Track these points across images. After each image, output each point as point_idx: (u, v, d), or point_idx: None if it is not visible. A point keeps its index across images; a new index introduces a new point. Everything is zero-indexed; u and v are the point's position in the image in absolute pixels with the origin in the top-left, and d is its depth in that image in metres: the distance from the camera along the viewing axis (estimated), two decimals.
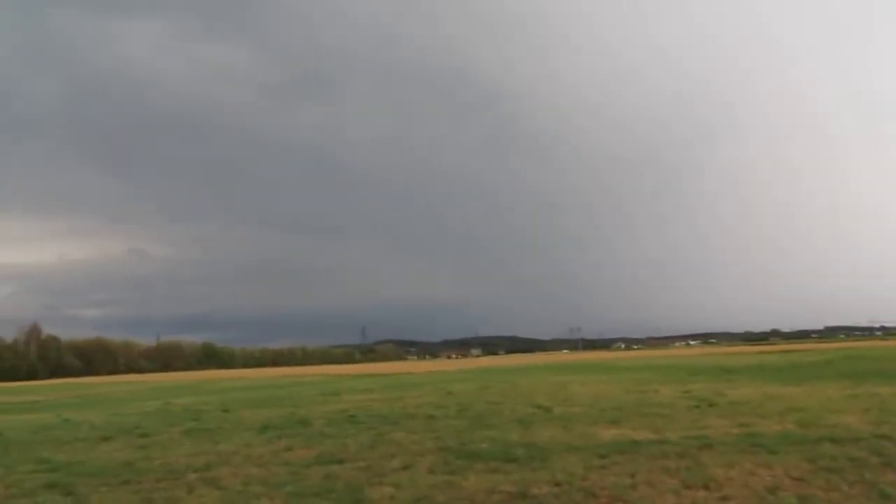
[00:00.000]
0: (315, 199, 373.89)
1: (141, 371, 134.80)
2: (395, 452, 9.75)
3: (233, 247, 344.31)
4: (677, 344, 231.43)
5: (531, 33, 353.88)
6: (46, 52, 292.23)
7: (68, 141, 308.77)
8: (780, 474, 7.39)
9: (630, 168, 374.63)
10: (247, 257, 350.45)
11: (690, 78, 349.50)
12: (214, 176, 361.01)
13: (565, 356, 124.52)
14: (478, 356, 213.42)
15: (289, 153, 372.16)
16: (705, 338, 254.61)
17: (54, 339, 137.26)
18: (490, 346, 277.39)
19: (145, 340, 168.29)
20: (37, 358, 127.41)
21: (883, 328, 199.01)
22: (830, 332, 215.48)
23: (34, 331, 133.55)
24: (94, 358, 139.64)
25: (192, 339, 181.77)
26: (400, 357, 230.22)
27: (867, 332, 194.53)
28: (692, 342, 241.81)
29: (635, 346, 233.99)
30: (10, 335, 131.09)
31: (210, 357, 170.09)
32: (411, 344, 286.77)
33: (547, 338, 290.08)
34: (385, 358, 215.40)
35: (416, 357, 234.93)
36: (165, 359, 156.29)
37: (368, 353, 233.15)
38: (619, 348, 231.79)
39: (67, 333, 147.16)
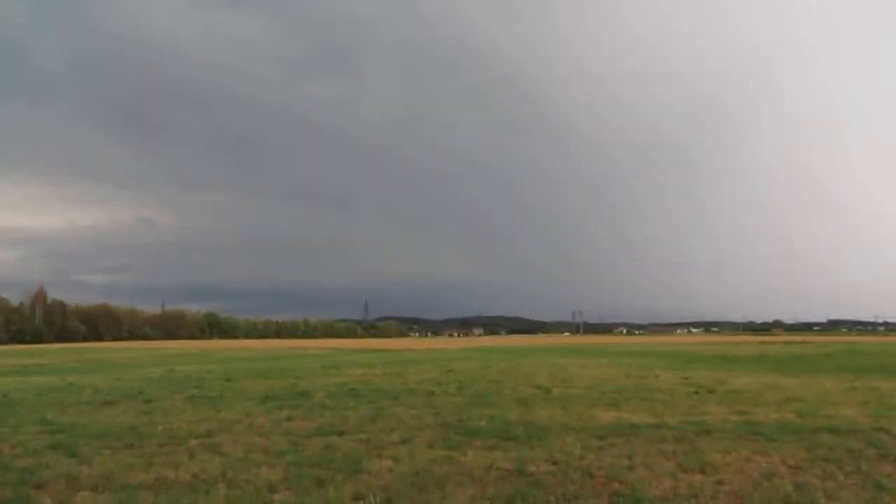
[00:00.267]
0: (325, 173, 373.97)
1: (145, 338, 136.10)
2: (395, 426, 9.84)
3: (241, 218, 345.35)
4: (679, 331, 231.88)
5: (552, 17, 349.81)
6: (61, 15, 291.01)
7: (80, 106, 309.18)
8: (776, 462, 7.43)
9: (641, 155, 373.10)
10: (254, 229, 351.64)
11: (710, 69, 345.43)
12: (225, 146, 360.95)
13: (567, 339, 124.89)
14: (480, 335, 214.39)
15: (301, 126, 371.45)
16: (707, 326, 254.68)
17: (60, 303, 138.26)
18: (492, 325, 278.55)
19: (150, 308, 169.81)
20: (42, 322, 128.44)
21: (886, 324, 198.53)
22: (833, 326, 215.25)
23: (40, 294, 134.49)
24: (100, 323, 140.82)
25: (196, 308, 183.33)
26: (402, 334, 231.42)
27: (869, 328, 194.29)
28: (694, 330, 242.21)
29: (637, 332, 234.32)
30: (16, 298, 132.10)
31: (214, 327, 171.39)
32: (414, 321, 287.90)
33: (549, 320, 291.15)
34: (387, 334, 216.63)
35: (418, 334, 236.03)
36: (170, 327, 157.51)
37: (371, 328, 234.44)
38: (620, 333, 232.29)
39: (74, 298, 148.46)
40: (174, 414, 11.59)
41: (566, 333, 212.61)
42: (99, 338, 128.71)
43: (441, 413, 11.21)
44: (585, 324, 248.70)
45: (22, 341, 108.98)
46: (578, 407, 12.00)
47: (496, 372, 21.45)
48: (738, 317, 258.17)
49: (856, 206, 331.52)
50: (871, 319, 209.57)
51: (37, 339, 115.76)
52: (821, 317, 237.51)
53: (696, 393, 14.33)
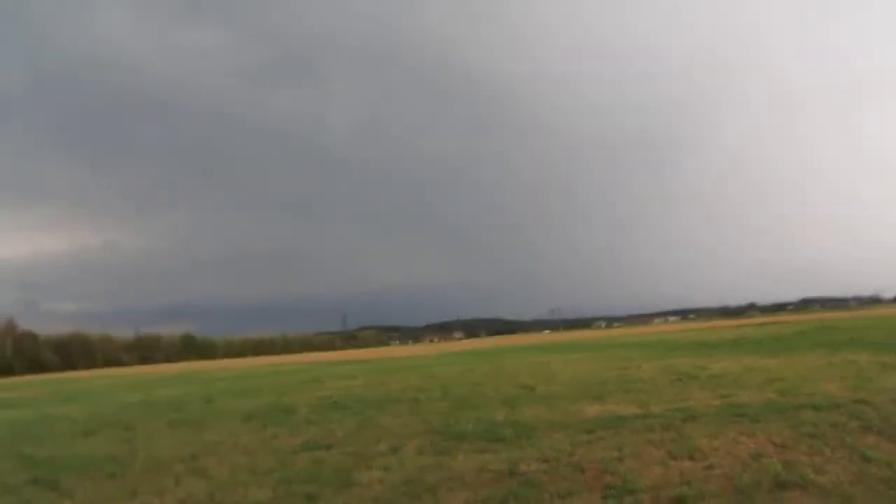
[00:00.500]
0: (293, 184, 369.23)
1: (120, 364, 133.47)
2: (382, 436, 9.76)
3: (209, 235, 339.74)
4: (657, 321, 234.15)
5: (514, 18, 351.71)
6: (13, 35, 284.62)
7: (39, 128, 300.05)
8: (763, 442, 7.51)
9: (609, 152, 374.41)
10: (224, 245, 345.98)
11: (671, 67, 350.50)
12: (190, 162, 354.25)
13: (546, 336, 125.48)
14: (460, 339, 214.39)
15: (267, 137, 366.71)
16: (684, 314, 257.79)
17: (31, 334, 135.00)
18: (472, 328, 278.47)
19: (124, 333, 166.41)
20: (13, 354, 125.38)
21: (857, 298, 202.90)
22: (806, 305, 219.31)
23: (9, 326, 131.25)
24: (73, 352, 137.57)
25: (171, 330, 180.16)
26: (382, 343, 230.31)
27: (841, 303, 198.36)
28: (672, 318, 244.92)
29: (615, 325, 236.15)
30: None
31: (190, 348, 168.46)
32: (393, 329, 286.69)
33: (528, 318, 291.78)
34: (367, 344, 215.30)
35: (398, 342, 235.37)
36: (145, 351, 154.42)
37: (350, 339, 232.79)
38: (599, 327, 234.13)
39: (45, 328, 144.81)
40: (156, 439, 11.36)
41: (546, 331, 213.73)
42: (73, 367, 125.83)
43: (427, 419, 11.15)
44: (564, 320, 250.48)
45: None
46: (563, 403, 12.01)
47: (479, 374, 21.42)
48: (713, 302, 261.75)
49: (812, 187, 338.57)
50: (843, 295, 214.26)
51: (8, 371, 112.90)
52: (794, 296, 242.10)
53: (679, 380, 14.43)
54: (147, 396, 23.23)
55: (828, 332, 32.58)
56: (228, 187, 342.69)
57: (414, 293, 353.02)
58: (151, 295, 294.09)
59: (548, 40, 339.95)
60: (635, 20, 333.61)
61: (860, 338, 25.15)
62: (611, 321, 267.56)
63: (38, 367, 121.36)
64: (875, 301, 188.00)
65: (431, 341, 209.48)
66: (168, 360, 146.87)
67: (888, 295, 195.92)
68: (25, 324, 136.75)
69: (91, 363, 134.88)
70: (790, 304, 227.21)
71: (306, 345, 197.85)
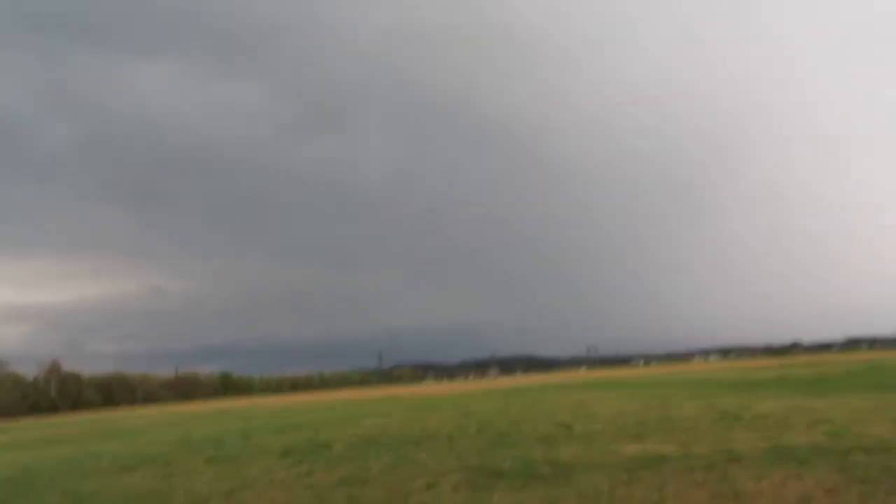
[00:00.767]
0: (328, 230, 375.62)
1: (160, 402, 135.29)
2: (418, 473, 9.68)
3: (247, 279, 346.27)
4: (697, 358, 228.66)
5: (544, 68, 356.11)
6: (65, 95, 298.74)
7: (85, 182, 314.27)
8: (811, 486, 7.25)
9: (641, 190, 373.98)
10: (262, 288, 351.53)
11: (702, 104, 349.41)
12: (229, 211, 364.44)
13: (584, 374, 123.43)
14: (495, 377, 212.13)
15: (302, 186, 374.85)
16: (725, 352, 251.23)
17: (74, 374, 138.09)
18: (507, 366, 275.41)
19: (164, 373, 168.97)
20: (57, 393, 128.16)
21: None
22: (853, 344, 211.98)
23: (54, 367, 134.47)
24: (114, 391, 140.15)
25: (209, 369, 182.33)
26: (417, 380, 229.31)
27: (890, 344, 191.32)
28: (712, 357, 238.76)
29: (654, 363, 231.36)
30: (30, 372, 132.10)
31: (228, 386, 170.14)
32: (428, 366, 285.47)
33: (564, 356, 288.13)
34: (402, 381, 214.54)
35: (433, 379, 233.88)
36: (184, 389, 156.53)
37: (386, 376, 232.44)
38: (637, 365, 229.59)
39: (88, 369, 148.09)
40: (194, 475, 11.45)
41: (583, 368, 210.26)
42: (114, 405, 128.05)
43: (463, 456, 11.04)
44: (601, 357, 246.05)
45: (38, 414, 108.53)
46: (602, 442, 11.80)
47: (515, 411, 21.17)
48: (755, 340, 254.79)
49: (861, 219, 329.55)
50: (892, 335, 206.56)
51: (52, 410, 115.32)
52: (840, 335, 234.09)
53: (722, 420, 14.08)
54: (185, 433, 23.47)
55: (877, 372, 31.54)
56: (266, 233, 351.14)
57: (448, 332, 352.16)
58: (191, 336, 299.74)
59: (580, 85, 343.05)
60: (666, 61, 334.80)
61: None
62: (649, 359, 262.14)
63: (81, 405, 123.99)
64: None
65: (466, 378, 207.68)
66: (206, 397, 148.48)
67: None
68: (70, 364, 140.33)
69: (132, 401, 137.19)
70: (836, 343, 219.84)
71: (342, 382, 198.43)
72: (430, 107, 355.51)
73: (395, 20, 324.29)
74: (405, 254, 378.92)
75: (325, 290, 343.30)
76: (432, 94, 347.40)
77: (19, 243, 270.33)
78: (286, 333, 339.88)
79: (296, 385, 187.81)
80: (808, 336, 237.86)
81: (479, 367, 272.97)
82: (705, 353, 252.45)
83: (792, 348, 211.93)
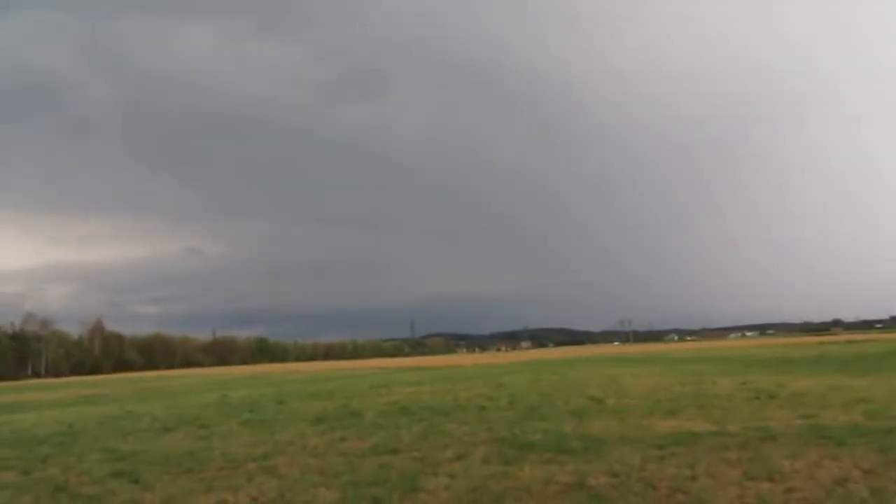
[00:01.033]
0: (364, 195, 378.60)
1: (198, 365, 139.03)
2: (449, 443, 9.76)
3: (285, 243, 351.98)
4: (733, 335, 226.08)
5: (581, 25, 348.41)
6: (107, 56, 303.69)
7: (126, 143, 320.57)
8: (848, 466, 7.11)
9: (684, 155, 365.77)
10: (298, 253, 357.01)
11: (752, 66, 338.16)
12: (266, 174, 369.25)
13: (617, 348, 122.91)
14: (527, 349, 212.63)
15: (338, 150, 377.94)
16: (762, 329, 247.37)
17: (117, 335, 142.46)
18: (539, 338, 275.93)
19: (202, 335, 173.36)
20: (101, 353, 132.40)
21: None
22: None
23: (98, 327, 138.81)
24: (154, 352, 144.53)
25: (246, 333, 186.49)
26: (449, 350, 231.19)
27: None
28: (748, 333, 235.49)
29: (689, 338, 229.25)
30: (75, 331, 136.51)
31: (263, 351, 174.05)
32: (460, 337, 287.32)
33: (597, 330, 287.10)
34: (434, 351, 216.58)
35: (465, 350, 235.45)
36: (221, 353, 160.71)
37: (417, 346, 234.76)
38: (671, 340, 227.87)
39: (128, 329, 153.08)
40: (230, 438, 11.73)
41: (616, 343, 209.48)
42: (154, 366, 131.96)
43: (494, 428, 11.09)
44: (635, 332, 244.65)
45: (82, 372, 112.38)
46: (634, 417, 11.73)
47: (547, 384, 21.18)
48: (794, 317, 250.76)
49: None
50: None
51: (96, 369, 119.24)
52: (882, 313, 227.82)
53: (757, 398, 13.87)
54: (223, 397, 24.05)
55: None
56: (301, 198, 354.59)
57: (481, 302, 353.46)
58: (228, 299, 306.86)
59: (618, 44, 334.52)
60: (713, 19, 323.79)
61: None
62: (683, 334, 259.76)
63: (122, 365, 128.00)
64: None
65: (498, 350, 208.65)
66: (243, 361, 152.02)
67: None
68: (112, 325, 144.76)
69: (171, 363, 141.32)
70: (879, 321, 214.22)
71: (375, 351, 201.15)
72: (468, 69, 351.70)
73: None
74: (439, 220, 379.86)
75: (359, 256, 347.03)
76: (470, 56, 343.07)
77: (64, 203, 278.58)
78: (320, 299, 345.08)
79: (329, 352, 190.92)
80: (850, 313, 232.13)
81: (510, 339, 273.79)
82: (741, 329, 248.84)
83: (832, 325, 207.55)
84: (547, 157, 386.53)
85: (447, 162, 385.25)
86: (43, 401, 30.76)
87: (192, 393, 30.43)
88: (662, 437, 9.28)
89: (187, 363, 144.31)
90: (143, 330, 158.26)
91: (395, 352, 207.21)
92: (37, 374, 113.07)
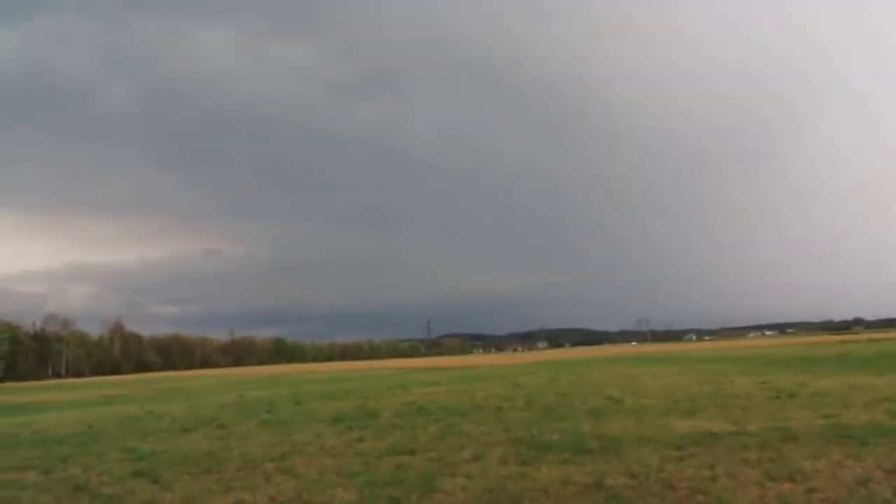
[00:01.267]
0: (380, 195, 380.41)
1: (216, 365, 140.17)
2: (466, 444, 9.74)
3: (301, 244, 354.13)
4: (752, 334, 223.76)
5: (593, 23, 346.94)
6: (122, 59, 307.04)
7: (144, 144, 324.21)
8: (871, 466, 7.01)
9: (699, 153, 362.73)
10: (314, 254, 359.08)
11: (770, 64, 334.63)
12: (282, 174, 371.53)
13: (634, 348, 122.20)
14: (544, 349, 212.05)
15: (354, 149, 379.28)
16: (782, 328, 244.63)
17: (136, 335, 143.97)
18: (556, 338, 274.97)
19: (220, 336, 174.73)
20: (120, 353, 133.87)
21: None
22: None
23: (118, 327, 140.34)
24: (173, 353, 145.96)
25: (263, 334, 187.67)
26: (465, 350, 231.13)
27: None
28: (768, 332, 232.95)
29: (707, 338, 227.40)
30: (95, 331, 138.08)
31: (281, 351, 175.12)
32: (476, 337, 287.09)
33: (614, 329, 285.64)
34: (450, 351, 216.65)
35: (481, 350, 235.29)
36: (239, 353, 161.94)
37: (434, 346, 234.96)
38: (690, 340, 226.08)
39: (147, 330, 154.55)
40: (248, 438, 11.80)
41: (633, 343, 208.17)
42: (172, 367, 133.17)
43: (511, 428, 11.05)
44: (652, 332, 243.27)
45: (102, 373, 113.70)
46: (652, 417, 11.65)
47: (564, 385, 21.08)
48: (814, 316, 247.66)
49: None
50: None
51: (115, 370, 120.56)
52: None
53: (777, 397, 13.72)
54: (240, 397, 24.21)
55: None
56: (317, 197, 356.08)
57: (498, 302, 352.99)
58: (245, 300, 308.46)
59: (631, 41, 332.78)
60: (730, 17, 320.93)
61: None
62: (701, 334, 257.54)
63: (142, 365, 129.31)
64: None
65: (515, 350, 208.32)
66: (260, 362, 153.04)
67: None
68: (130, 325, 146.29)
69: (190, 363, 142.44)
70: None
71: (391, 351, 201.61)
72: (482, 68, 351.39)
73: None
74: (455, 220, 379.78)
75: (375, 256, 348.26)
76: (485, 55, 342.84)
77: (83, 203, 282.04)
78: (337, 299, 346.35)
79: (346, 352, 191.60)
80: (871, 312, 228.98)
81: (527, 339, 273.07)
82: (761, 328, 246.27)
83: (853, 324, 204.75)
84: (562, 155, 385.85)
85: (462, 161, 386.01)
86: (63, 401, 31.20)
87: (210, 393, 30.67)
88: (681, 438, 9.20)
89: (205, 363, 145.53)
90: (162, 330, 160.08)
91: (412, 352, 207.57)
92: (57, 375, 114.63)
